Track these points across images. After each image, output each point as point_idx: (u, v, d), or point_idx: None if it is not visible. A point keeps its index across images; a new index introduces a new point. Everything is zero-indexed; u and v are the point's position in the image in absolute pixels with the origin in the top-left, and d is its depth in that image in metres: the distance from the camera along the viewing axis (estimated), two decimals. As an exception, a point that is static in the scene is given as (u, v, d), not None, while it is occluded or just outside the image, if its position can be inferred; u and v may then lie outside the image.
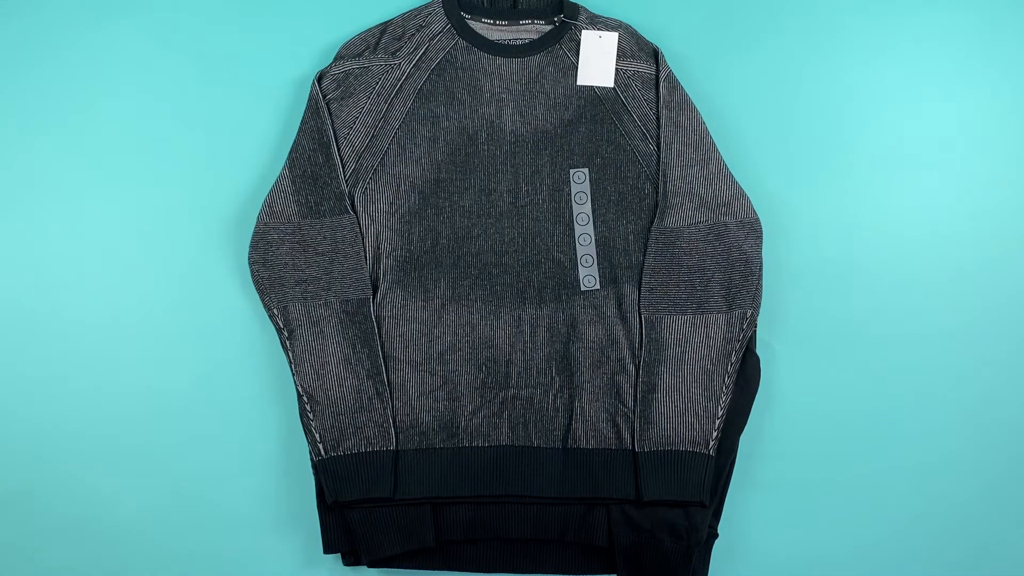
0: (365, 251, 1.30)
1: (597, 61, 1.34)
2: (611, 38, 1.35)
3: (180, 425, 1.33)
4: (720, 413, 1.27)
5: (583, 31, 1.35)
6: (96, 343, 1.34)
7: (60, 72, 1.38)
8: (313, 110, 1.32)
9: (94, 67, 1.38)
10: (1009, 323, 1.37)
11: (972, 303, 1.37)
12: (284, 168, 1.32)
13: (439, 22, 1.36)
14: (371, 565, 1.27)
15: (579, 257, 1.31)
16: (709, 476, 1.26)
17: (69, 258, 1.35)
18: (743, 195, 1.32)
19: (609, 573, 1.28)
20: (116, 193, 1.36)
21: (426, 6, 1.37)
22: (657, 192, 1.32)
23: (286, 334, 1.29)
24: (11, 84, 1.37)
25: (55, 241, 1.36)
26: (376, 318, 1.29)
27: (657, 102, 1.34)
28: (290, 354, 1.29)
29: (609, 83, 1.34)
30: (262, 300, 1.30)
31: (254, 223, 1.32)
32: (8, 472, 1.33)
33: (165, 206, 1.36)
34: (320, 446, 1.26)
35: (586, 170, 1.32)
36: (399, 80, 1.34)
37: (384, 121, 1.33)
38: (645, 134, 1.33)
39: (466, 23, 1.36)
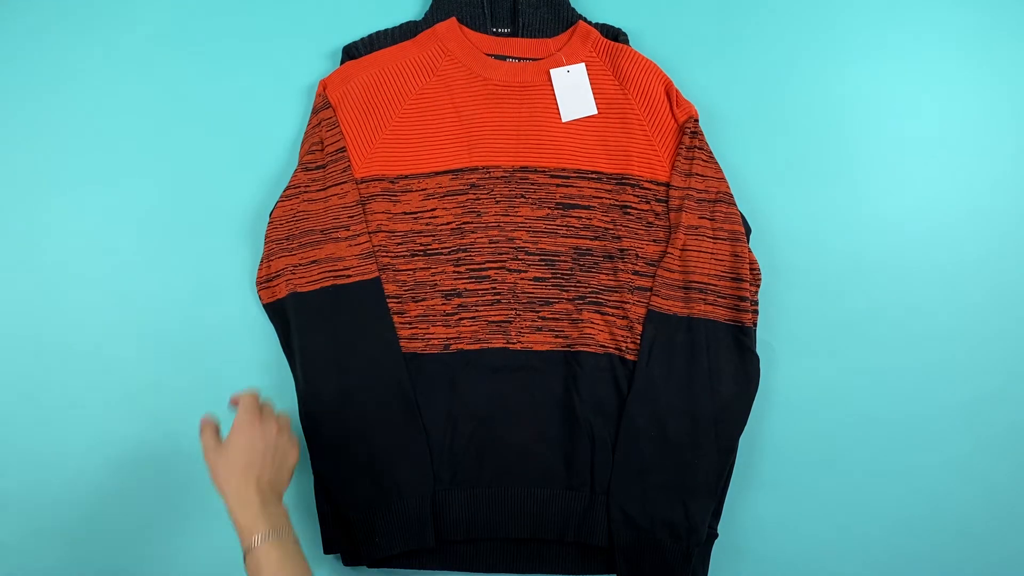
0: None
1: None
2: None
3: (181, 425, 1.33)
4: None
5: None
6: (97, 343, 1.34)
7: (67, 74, 1.38)
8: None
9: (101, 68, 1.38)
10: (1008, 322, 1.37)
11: (971, 302, 1.37)
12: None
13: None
14: (371, 565, 1.28)
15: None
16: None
17: (73, 258, 1.35)
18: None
19: (609, 573, 1.28)
20: (122, 194, 1.36)
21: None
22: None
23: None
24: (14, 86, 1.38)
25: (60, 241, 1.35)
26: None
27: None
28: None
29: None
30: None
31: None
32: (8, 472, 1.33)
33: (170, 207, 1.36)
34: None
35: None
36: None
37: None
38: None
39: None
